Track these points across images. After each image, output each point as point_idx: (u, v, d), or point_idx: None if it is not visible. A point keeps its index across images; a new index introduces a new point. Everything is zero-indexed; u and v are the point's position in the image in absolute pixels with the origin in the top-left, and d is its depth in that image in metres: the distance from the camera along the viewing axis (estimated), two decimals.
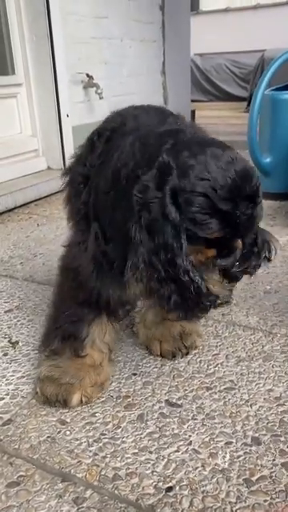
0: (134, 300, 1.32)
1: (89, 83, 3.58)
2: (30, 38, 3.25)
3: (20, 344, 1.55)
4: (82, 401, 1.23)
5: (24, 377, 1.38)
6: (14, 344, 1.55)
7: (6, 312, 1.76)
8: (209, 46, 11.22)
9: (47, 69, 3.33)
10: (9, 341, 1.57)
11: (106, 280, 1.14)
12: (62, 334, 1.25)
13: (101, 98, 3.54)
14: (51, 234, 2.58)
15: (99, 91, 3.54)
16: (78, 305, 1.22)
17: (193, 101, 6.88)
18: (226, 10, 13.04)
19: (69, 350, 1.24)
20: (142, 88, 4.30)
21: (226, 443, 1.10)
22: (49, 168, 3.50)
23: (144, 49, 4.30)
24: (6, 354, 1.50)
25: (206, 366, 1.39)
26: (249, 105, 9.24)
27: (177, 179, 0.94)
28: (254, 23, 12.00)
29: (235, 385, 1.30)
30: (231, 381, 1.32)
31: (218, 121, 7.83)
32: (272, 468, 1.02)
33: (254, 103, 2.86)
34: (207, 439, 1.11)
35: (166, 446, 1.10)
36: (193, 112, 5.57)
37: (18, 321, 1.69)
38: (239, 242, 1.00)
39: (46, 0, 3.14)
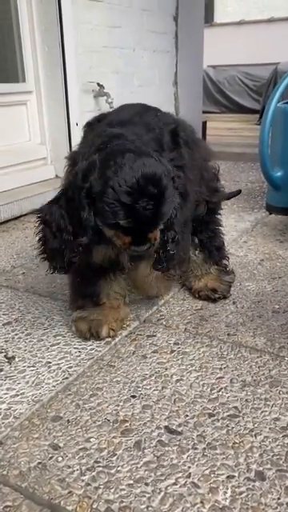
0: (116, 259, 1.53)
1: (100, 92, 3.54)
2: (41, 46, 3.23)
3: (16, 359, 1.49)
4: (109, 334, 1.56)
5: (18, 395, 1.32)
6: (9, 359, 1.50)
7: (3, 325, 1.70)
8: (222, 58, 11.22)
9: (58, 77, 3.30)
10: (5, 356, 1.51)
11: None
12: (82, 294, 1.60)
13: (111, 107, 3.50)
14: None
15: (110, 100, 3.51)
16: (86, 272, 1.53)
17: (205, 112, 6.85)
18: (240, 23, 13.07)
19: (90, 303, 1.58)
20: (153, 98, 4.24)
21: (228, 477, 1.03)
22: (57, 176, 3.45)
23: (156, 59, 4.26)
24: (0, 370, 1.44)
25: (209, 389, 1.32)
26: (261, 117, 9.25)
27: (96, 174, 1.23)
28: (268, 36, 12.00)
29: (239, 412, 1.23)
30: (235, 407, 1.25)
31: (230, 133, 7.78)
32: (277, 508, 0.95)
33: (265, 116, 2.80)
34: (207, 472, 1.04)
35: (163, 478, 1.03)
36: (204, 123, 5.52)
37: (16, 334, 1.64)
38: (153, 235, 1.26)
39: (59, 9, 3.11)
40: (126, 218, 1.19)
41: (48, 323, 1.70)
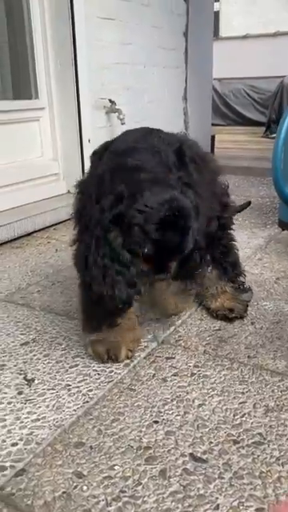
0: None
1: (111, 108, 3.57)
2: (54, 63, 3.26)
3: (36, 382, 1.48)
4: (128, 355, 1.56)
5: (39, 419, 1.31)
6: (29, 381, 1.49)
7: (22, 345, 1.70)
8: (228, 71, 11.29)
9: (71, 94, 3.32)
10: (24, 377, 1.50)
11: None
12: (97, 316, 1.56)
13: (123, 123, 3.52)
14: (69, 260, 2.49)
15: (121, 116, 3.53)
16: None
17: (211, 125, 6.88)
18: (246, 37, 13.18)
19: (105, 325, 1.55)
20: (163, 113, 4.29)
21: (257, 509, 1.01)
22: (69, 192, 3.47)
23: (167, 75, 4.30)
24: (20, 393, 1.43)
25: (232, 415, 1.30)
26: (267, 130, 9.30)
27: (123, 207, 1.27)
28: (274, 50, 12.09)
29: (264, 439, 1.21)
30: (259, 434, 1.23)
31: (237, 145, 7.81)
32: None
33: (279, 131, 2.80)
34: (236, 503, 1.02)
35: (191, 510, 1.01)
36: (212, 137, 5.54)
37: (34, 355, 1.63)
38: (172, 264, 1.34)
39: (72, 27, 3.15)
40: (153, 251, 1.26)
41: (66, 344, 1.69)
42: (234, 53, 12.23)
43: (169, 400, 1.38)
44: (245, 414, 1.31)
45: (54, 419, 1.31)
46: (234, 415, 1.30)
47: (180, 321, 1.83)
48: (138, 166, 1.37)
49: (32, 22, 3.18)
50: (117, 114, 3.56)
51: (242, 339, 1.69)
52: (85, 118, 3.38)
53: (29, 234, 2.96)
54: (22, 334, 1.77)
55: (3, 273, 2.39)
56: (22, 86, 3.30)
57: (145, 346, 1.65)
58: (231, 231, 1.83)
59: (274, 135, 8.95)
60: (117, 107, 3.55)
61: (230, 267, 1.81)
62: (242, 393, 1.40)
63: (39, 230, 3.04)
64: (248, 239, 2.76)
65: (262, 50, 12.29)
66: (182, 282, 1.54)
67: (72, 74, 3.25)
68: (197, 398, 1.38)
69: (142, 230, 1.24)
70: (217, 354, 1.60)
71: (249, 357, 1.58)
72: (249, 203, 3.05)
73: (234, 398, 1.38)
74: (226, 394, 1.40)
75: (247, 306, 1.84)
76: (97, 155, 1.64)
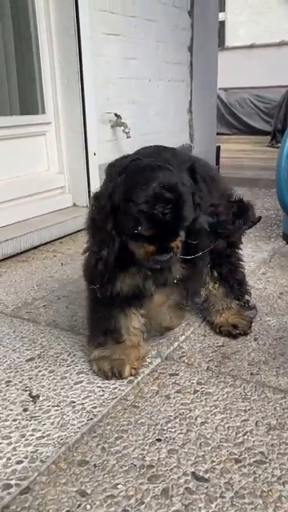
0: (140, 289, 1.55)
1: (117, 122, 3.61)
2: (61, 78, 3.31)
3: (41, 398, 1.50)
4: (131, 373, 1.57)
5: (44, 437, 1.33)
6: (34, 398, 1.51)
7: (27, 361, 1.72)
8: (233, 80, 11.36)
9: (77, 108, 3.37)
10: (29, 394, 1.53)
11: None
12: (102, 330, 1.60)
13: (128, 137, 3.56)
14: (75, 274, 2.56)
15: (127, 130, 3.57)
16: (106, 304, 1.55)
17: (217, 134, 6.93)
18: (251, 47, 13.26)
19: (111, 340, 1.59)
20: (168, 126, 4.33)
21: None
22: (75, 205, 3.51)
23: (171, 88, 4.34)
24: (25, 410, 1.45)
25: (234, 433, 1.32)
26: (272, 139, 9.33)
27: (120, 192, 1.33)
28: (279, 59, 12.15)
29: (266, 458, 1.22)
30: (261, 452, 1.24)
31: (242, 155, 7.84)
32: None
33: (284, 141, 2.82)
34: None
35: None
36: (218, 148, 5.58)
37: (40, 371, 1.65)
38: (175, 243, 1.32)
39: (79, 42, 3.20)
40: (147, 226, 1.26)
41: (71, 359, 1.71)
42: (239, 62, 12.31)
43: (172, 417, 1.39)
44: (247, 432, 1.32)
45: (58, 436, 1.33)
46: (236, 433, 1.32)
47: (184, 336, 1.84)
48: (137, 158, 1.42)
49: (39, 37, 3.24)
50: (122, 127, 3.60)
51: (245, 356, 1.70)
52: (90, 132, 3.42)
53: (35, 248, 3.00)
54: (27, 350, 1.79)
55: (10, 287, 2.42)
56: (28, 101, 3.35)
57: (149, 363, 1.67)
58: (239, 250, 1.85)
59: (280, 145, 8.98)
60: (122, 121, 3.60)
61: (236, 285, 1.83)
62: (245, 410, 1.41)
63: (45, 244, 3.08)
64: (252, 252, 2.78)
65: (268, 60, 12.36)
66: (182, 295, 1.57)
67: (78, 88, 3.30)
68: (199, 415, 1.40)
69: (134, 208, 1.26)
70: (220, 370, 1.62)
71: (251, 374, 1.59)
72: (259, 219, 3.07)
73: (237, 415, 1.39)
74: (229, 411, 1.41)
75: (251, 322, 1.86)
76: (113, 168, 1.65)
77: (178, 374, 1.60)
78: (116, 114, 3.59)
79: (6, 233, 2.91)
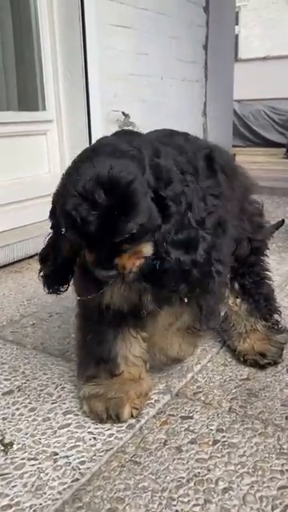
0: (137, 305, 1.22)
1: (125, 122, 3.30)
2: (63, 71, 3.02)
3: (14, 447, 1.16)
4: (132, 414, 1.23)
5: (11, 506, 0.99)
6: (6, 447, 1.17)
7: (3, 394, 1.38)
8: (247, 92, 11.16)
9: (80, 105, 3.07)
10: (1, 441, 1.19)
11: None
12: (94, 359, 1.27)
13: None
14: (71, 287, 2.22)
15: (136, 130, 3.26)
16: (98, 323, 1.25)
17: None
18: (265, 59, 13.07)
19: (104, 373, 1.26)
20: (181, 129, 3.97)
21: None
22: None
23: (185, 88, 4.04)
24: None
25: (269, 507, 0.96)
26: (287, 151, 9.04)
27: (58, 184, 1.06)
28: None
29: None
30: None
31: (257, 166, 7.51)
32: None
33: None
34: None
35: None
36: (233, 156, 5.26)
37: (17, 409, 1.31)
38: (122, 262, 0.99)
39: (83, 33, 2.91)
40: (70, 231, 0.98)
41: (57, 394, 1.37)
42: (253, 74, 12.13)
43: (184, 480, 1.04)
44: (285, 504, 0.97)
45: (30, 506, 0.99)
46: (272, 508, 0.96)
47: (199, 366, 1.50)
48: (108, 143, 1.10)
49: (40, 26, 2.96)
50: (131, 127, 3.29)
51: (277, 393, 1.35)
52: (95, 132, 3.11)
53: (30, 257, 2.67)
54: (5, 380, 1.45)
55: None
56: (28, 95, 3.06)
57: (155, 400, 1.32)
58: (265, 257, 1.51)
59: None
60: (131, 120, 3.29)
61: (262, 301, 1.48)
62: (281, 471, 1.06)
63: None
64: (277, 265, 2.43)
65: (282, 72, 12.16)
66: (194, 316, 1.23)
67: (82, 84, 3.00)
68: (221, 477, 1.05)
69: (61, 201, 0.98)
70: (245, 413, 1.27)
71: (287, 418, 1.24)
72: (282, 222, 2.74)
73: (271, 479, 1.04)
74: (260, 472, 1.06)
75: (283, 349, 1.50)
76: None
77: (192, 417, 1.25)
78: (124, 113, 3.29)
79: None
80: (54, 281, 1.25)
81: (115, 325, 1.25)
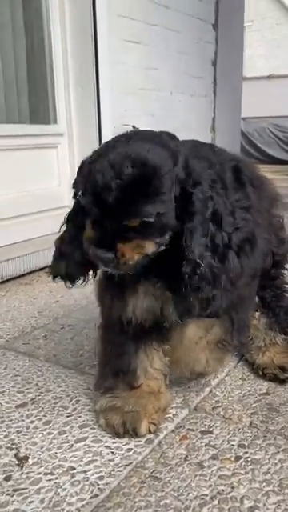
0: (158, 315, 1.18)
1: None
2: (75, 86, 3.03)
3: (30, 462, 1.13)
4: (150, 429, 1.19)
5: None
6: (21, 461, 1.13)
7: (17, 407, 1.35)
8: (252, 110, 11.24)
9: (91, 119, 3.08)
10: (15, 454, 1.15)
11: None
12: (113, 370, 1.24)
13: None
14: (83, 299, 2.20)
15: None
16: (119, 335, 1.21)
17: None
18: (270, 77, 13.19)
19: (122, 385, 1.23)
20: None
21: None
22: None
23: (194, 103, 4.06)
24: (8, 478, 1.07)
25: None
26: None
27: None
28: None
29: None
30: None
31: None
32: None
33: None
34: None
35: None
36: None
37: (32, 422, 1.28)
38: (122, 248, 0.97)
39: (95, 48, 2.93)
40: (86, 195, 0.97)
41: (72, 407, 1.34)
42: (257, 92, 12.22)
43: (208, 498, 1.00)
44: None
45: None
46: None
47: (217, 380, 1.46)
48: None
49: (52, 39, 2.98)
50: None
51: None
52: None
53: (40, 269, 2.65)
54: (19, 393, 1.42)
55: (7, 313, 2.07)
56: (39, 109, 3.07)
57: (173, 415, 1.28)
58: (285, 271, 1.49)
59: None
60: None
61: (282, 314, 1.46)
62: None
63: None
64: None
65: (286, 90, 12.26)
66: (225, 329, 1.19)
67: (93, 97, 3.01)
68: (246, 496, 1.00)
69: (83, 171, 1.01)
70: (267, 428, 1.23)
71: None
72: None
73: None
74: (287, 491, 1.01)
75: None
76: None
77: (212, 432, 1.21)
78: (134, 127, 3.29)
79: (9, 252, 2.58)
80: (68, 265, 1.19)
81: (138, 338, 1.22)
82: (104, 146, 1.04)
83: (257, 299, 1.44)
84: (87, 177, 0.98)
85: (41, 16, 2.96)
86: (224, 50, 4.30)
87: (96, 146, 3.18)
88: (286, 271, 1.52)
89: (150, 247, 1.01)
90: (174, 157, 1.00)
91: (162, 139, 1.05)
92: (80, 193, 1.00)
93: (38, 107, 3.07)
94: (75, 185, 1.08)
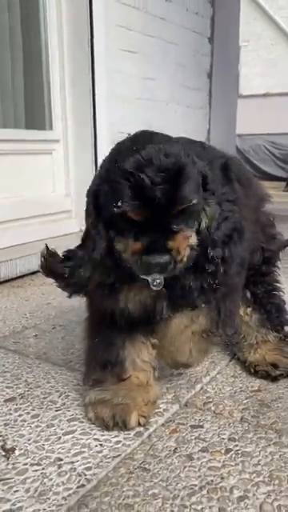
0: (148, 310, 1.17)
1: None
2: (71, 92, 3.06)
3: (17, 453, 1.10)
4: (139, 422, 1.17)
5: (13, 511, 0.92)
6: (7, 452, 1.11)
7: (5, 401, 1.33)
8: (248, 127, 11.36)
9: (87, 126, 3.10)
10: (1, 446, 1.13)
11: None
12: (101, 362, 1.23)
13: None
14: (76, 301, 2.16)
15: None
16: (107, 328, 1.20)
17: None
18: (265, 95, 13.37)
19: (111, 377, 1.22)
20: None
21: None
22: (81, 231, 3.17)
23: (189, 115, 4.10)
24: None
25: None
26: (287, 185, 9.16)
27: (105, 165, 1.05)
28: None
29: None
30: None
31: None
32: None
33: None
34: None
35: None
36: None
37: (20, 416, 1.26)
38: (175, 243, 0.96)
39: (92, 55, 2.97)
40: (131, 197, 0.92)
41: (61, 402, 1.32)
42: (253, 110, 12.37)
43: (197, 488, 0.98)
44: None
45: (33, 511, 0.92)
46: None
47: (208, 377, 1.44)
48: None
49: (49, 46, 3.02)
50: None
51: None
52: (101, 153, 3.13)
53: (33, 273, 2.64)
54: (8, 388, 1.40)
55: None
56: (35, 114, 3.09)
57: (164, 409, 1.27)
58: (276, 269, 1.49)
59: None
60: None
61: (274, 311, 1.45)
62: None
63: None
64: (285, 284, 2.39)
65: (282, 108, 12.42)
66: (211, 318, 1.18)
67: (89, 104, 3.04)
68: (236, 486, 0.99)
69: (118, 173, 0.95)
70: (258, 422, 1.21)
71: None
72: None
73: None
74: (277, 481, 1.00)
75: None
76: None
77: (202, 426, 1.20)
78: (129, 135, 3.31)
79: (1, 255, 2.57)
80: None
81: (126, 330, 1.21)
82: (117, 153, 1.03)
83: (249, 295, 1.44)
84: (121, 176, 0.95)
85: (38, 22, 3.00)
86: (220, 64, 4.36)
87: (91, 153, 3.18)
88: (277, 268, 1.52)
89: (193, 237, 1.02)
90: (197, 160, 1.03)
91: (166, 136, 1.08)
92: (119, 202, 0.94)
93: (34, 113, 3.09)
94: (90, 209, 1.06)
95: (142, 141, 0.99)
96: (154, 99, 3.61)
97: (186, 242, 0.99)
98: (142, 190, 0.92)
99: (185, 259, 0.99)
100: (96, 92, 3.05)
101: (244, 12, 7.03)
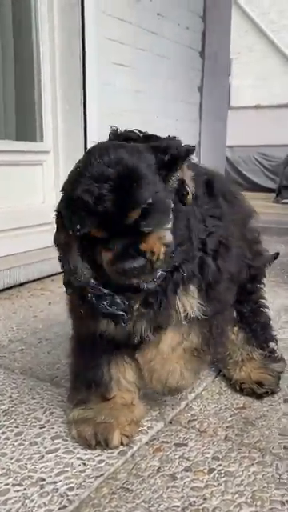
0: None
1: None
2: (62, 103, 3.07)
3: None
4: (122, 441, 1.17)
5: None
6: None
7: None
8: (238, 139, 11.46)
9: (78, 138, 3.11)
10: None
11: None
12: (85, 382, 1.22)
13: None
14: (63, 314, 2.16)
15: None
16: (92, 347, 1.20)
17: None
18: (256, 107, 13.51)
19: (95, 397, 1.21)
20: None
21: None
22: None
23: (179, 127, 4.12)
24: None
25: None
26: (278, 195, 9.23)
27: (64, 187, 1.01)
28: (283, 119, 12.34)
29: None
30: None
31: None
32: None
33: None
34: None
35: None
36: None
37: (3, 433, 1.25)
38: (147, 245, 0.95)
39: (83, 67, 2.98)
40: (86, 217, 0.92)
41: (46, 419, 1.31)
42: (244, 122, 12.48)
43: (179, 509, 0.98)
44: None
45: None
46: None
47: (193, 394, 1.45)
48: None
49: (41, 57, 3.02)
50: None
51: (274, 422, 1.30)
52: None
53: (20, 285, 2.63)
54: None
55: None
56: (26, 126, 3.09)
57: (148, 427, 1.26)
58: (262, 285, 1.50)
59: (286, 200, 8.81)
60: None
61: (259, 329, 1.46)
62: (282, 502, 1.00)
63: (34, 281, 2.72)
64: (271, 299, 2.39)
65: (272, 120, 12.56)
66: (203, 336, 1.18)
67: (80, 117, 3.05)
68: (218, 507, 0.99)
69: (71, 195, 0.95)
70: (242, 441, 1.21)
71: (285, 448, 1.19)
72: (277, 255, 2.74)
73: (271, 510, 0.98)
74: (259, 503, 1.00)
75: (279, 378, 1.46)
76: None
77: (186, 445, 1.20)
78: None
79: None
80: None
81: (110, 350, 1.21)
82: (69, 176, 1.02)
83: (235, 314, 1.44)
84: (72, 202, 0.95)
85: (31, 35, 3.01)
86: (210, 77, 4.41)
87: None
88: (262, 285, 1.53)
89: (168, 235, 0.99)
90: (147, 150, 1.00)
91: (116, 144, 1.04)
92: (78, 226, 0.94)
93: (24, 124, 3.09)
94: (58, 233, 1.05)
95: (86, 158, 0.98)
96: (144, 111, 3.63)
97: (159, 241, 0.97)
98: (93, 209, 0.91)
99: (161, 258, 0.98)
100: (87, 104, 3.06)
101: (235, 25, 7.12)
